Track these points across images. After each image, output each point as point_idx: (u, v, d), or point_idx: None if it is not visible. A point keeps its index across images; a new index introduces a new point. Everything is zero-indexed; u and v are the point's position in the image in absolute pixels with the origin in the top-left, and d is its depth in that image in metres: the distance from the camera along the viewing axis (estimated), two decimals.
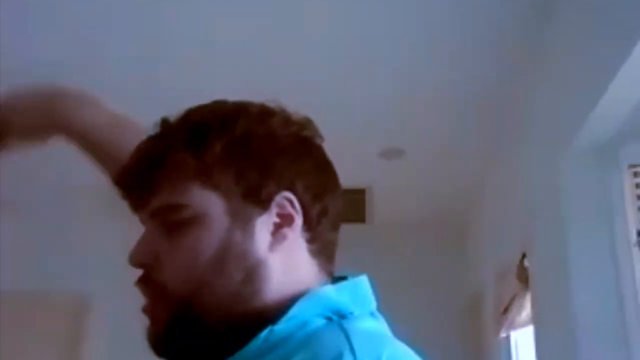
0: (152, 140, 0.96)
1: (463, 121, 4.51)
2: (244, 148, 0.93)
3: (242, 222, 0.92)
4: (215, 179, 0.91)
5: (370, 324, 0.90)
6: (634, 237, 2.90)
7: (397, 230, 6.48)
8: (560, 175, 3.26)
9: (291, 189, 0.94)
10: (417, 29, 3.47)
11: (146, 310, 0.92)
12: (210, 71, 3.41)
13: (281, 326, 0.84)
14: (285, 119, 0.98)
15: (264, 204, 0.93)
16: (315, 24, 3.44)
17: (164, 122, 0.98)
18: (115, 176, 0.98)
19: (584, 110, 2.88)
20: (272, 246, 0.93)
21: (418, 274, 6.40)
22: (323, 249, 0.99)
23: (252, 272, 0.91)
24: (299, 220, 0.95)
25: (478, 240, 6.05)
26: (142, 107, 4.44)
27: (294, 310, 0.86)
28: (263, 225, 0.93)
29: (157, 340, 0.91)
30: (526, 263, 3.92)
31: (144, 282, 0.92)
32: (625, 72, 2.47)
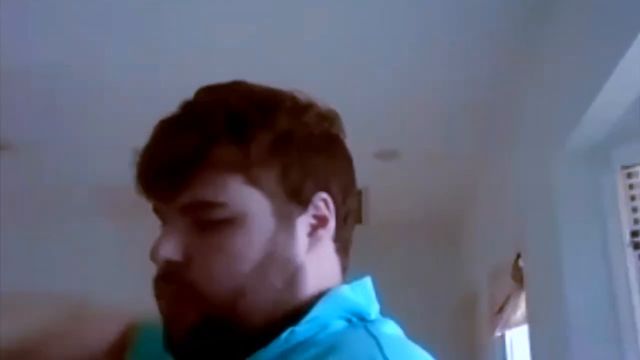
0: (184, 127, 0.86)
1: (457, 123, 4.51)
2: (286, 144, 0.87)
3: (286, 224, 0.88)
4: (258, 175, 0.86)
5: (394, 329, 0.88)
6: (626, 237, 2.90)
7: (392, 231, 6.48)
8: (553, 176, 3.27)
9: (327, 189, 0.92)
10: (412, 33, 3.46)
11: (168, 308, 0.86)
12: (210, 72, 3.37)
13: (302, 327, 0.81)
14: (318, 114, 0.94)
15: (303, 205, 0.90)
16: (313, 26, 3.44)
17: (192, 107, 0.90)
18: (139, 164, 0.89)
19: (577, 112, 2.88)
20: (309, 248, 0.89)
21: (413, 273, 6.41)
22: (344, 247, 0.97)
23: (293, 278, 0.87)
24: (332, 221, 0.92)
25: (472, 241, 6.06)
26: (141, 108, 4.47)
27: (315, 311, 0.84)
28: (302, 227, 0.89)
29: (181, 340, 0.84)
30: (520, 263, 3.92)
31: (169, 280, 0.85)
32: (618, 74, 2.47)
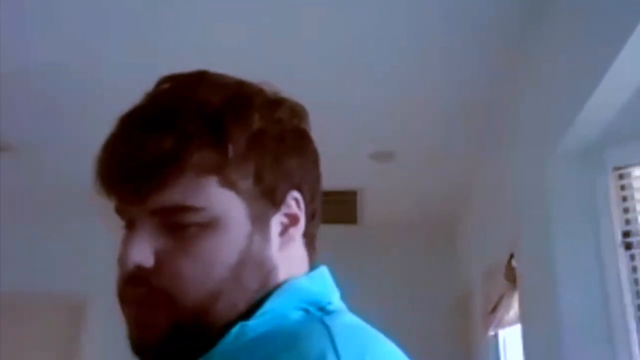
0: (156, 126, 0.80)
1: (452, 124, 4.51)
2: (260, 143, 0.84)
3: (261, 225, 0.85)
4: (233, 177, 0.82)
5: (351, 318, 0.84)
6: (619, 237, 2.90)
7: (388, 231, 6.49)
8: (547, 178, 3.26)
9: (298, 188, 0.90)
10: (408, 35, 3.46)
11: (137, 313, 0.81)
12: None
13: (254, 321, 0.79)
14: (290, 110, 0.91)
15: (277, 205, 0.87)
16: (310, 27, 3.43)
17: (160, 102, 0.84)
18: (103, 162, 0.83)
19: (570, 114, 2.87)
20: (280, 247, 0.88)
21: (408, 273, 6.41)
22: (311, 242, 0.94)
23: (267, 278, 0.85)
24: (303, 219, 0.90)
25: (467, 241, 6.06)
26: None
27: (269, 304, 0.81)
28: (274, 227, 0.87)
29: (152, 345, 0.80)
30: (514, 263, 3.92)
31: (138, 284, 0.80)
32: (611, 76, 2.47)
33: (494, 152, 4.60)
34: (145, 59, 3.70)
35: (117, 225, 0.88)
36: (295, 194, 0.89)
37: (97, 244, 6.22)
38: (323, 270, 0.93)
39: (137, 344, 0.82)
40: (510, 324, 4.27)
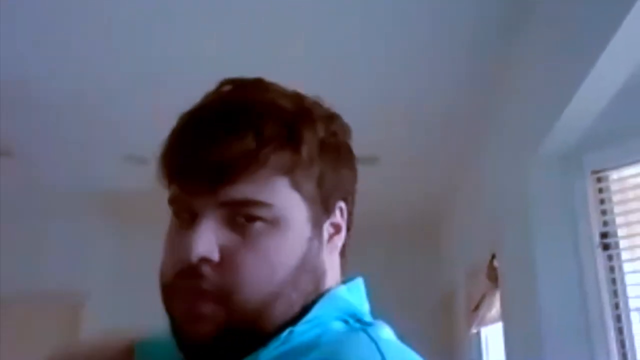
0: (237, 125, 0.79)
1: (435, 130, 4.51)
2: (325, 151, 0.84)
3: (319, 231, 0.85)
4: (301, 180, 0.81)
5: (390, 334, 0.83)
6: (597, 239, 2.91)
7: (374, 233, 6.49)
8: (527, 181, 3.27)
9: (345, 199, 0.90)
10: (392, 45, 3.46)
11: (188, 306, 0.77)
12: (197, 81, 3.39)
13: (301, 327, 0.78)
14: (342, 124, 0.92)
15: (328, 213, 0.87)
16: (296, 39, 3.43)
17: (238, 104, 0.82)
18: (175, 152, 0.82)
19: (549, 120, 2.88)
20: (328, 254, 0.87)
21: (394, 274, 6.41)
22: (344, 251, 0.94)
23: (319, 283, 0.85)
24: (344, 229, 0.91)
25: (450, 242, 6.07)
26: (137, 116, 4.44)
27: (314, 312, 0.80)
28: (325, 233, 0.87)
29: (202, 341, 0.77)
30: (495, 263, 3.92)
31: (196, 277, 0.77)
32: (588, 84, 2.48)
33: (476, 157, 4.61)
34: (138, 68, 3.69)
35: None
36: (342, 204, 0.90)
37: (95, 245, 6.21)
38: (359, 282, 0.93)
39: (188, 338, 0.78)
40: (492, 322, 4.27)
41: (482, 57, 3.55)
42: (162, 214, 0.90)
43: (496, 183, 4.00)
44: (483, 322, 4.52)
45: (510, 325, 3.74)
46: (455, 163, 5.02)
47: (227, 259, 0.77)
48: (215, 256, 0.77)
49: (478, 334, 4.91)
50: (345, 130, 0.93)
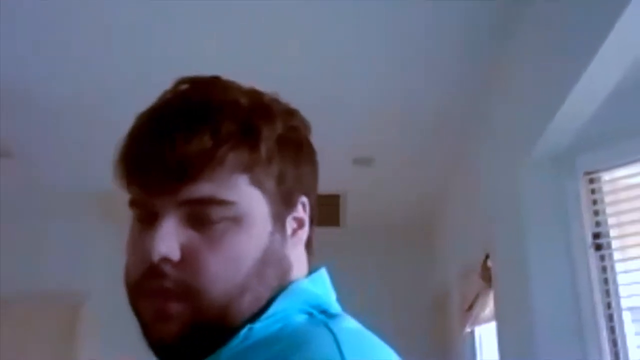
0: (193, 123, 0.78)
1: (429, 132, 4.51)
2: (284, 148, 0.85)
3: (281, 226, 0.86)
4: (261, 176, 0.81)
5: (353, 323, 0.83)
6: (589, 239, 2.91)
7: (369, 233, 6.49)
8: (520, 182, 3.27)
9: (307, 194, 0.91)
10: (387, 48, 3.47)
11: (156, 305, 0.77)
12: None
13: (261, 324, 0.78)
14: (302, 120, 0.92)
15: (290, 208, 0.88)
16: (293, 41, 3.44)
17: (194, 100, 0.82)
18: (130, 154, 0.81)
19: (542, 122, 2.88)
20: (292, 248, 0.88)
21: (388, 273, 6.42)
22: (309, 245, 0.94)
23: (284, 276, 0.85)
24: (307, 223, 0.91)
25: (444, 242, 6.05)
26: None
27: (275, 307, 0.80)
28: (288, 228, 0.88)
29: (169, 340, 0.77)
30: (489, 263, 3.92)
31: (160, 277, 0.76)
32: (580, 86, 2.48)
33: (469, 158, 4.61)
34: (138, 69, 3.69)
35: (127, 219, 0.85)
36: (304, 199, 0.90)
37: (94, 245, 6.19)
38: (323, 273, 0.93)
39: (155, 338, 0.78)
40: (486, 321, 4.27)
41: (475, 59, 3.55)
42: None
43: (490, 184, 3.99)
44: (477, 322, 4.51)
45: (504, 324, 3.74)
46: (448, 164, 5.02)
47: (189, 257, 0.77)
48: (177, 255, 0.76)
49: (472, 333, 4.90)
50: (306, 125, 0.93)
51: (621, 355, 2.73)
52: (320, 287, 0.89)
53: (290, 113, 0.90)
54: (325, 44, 3.46)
